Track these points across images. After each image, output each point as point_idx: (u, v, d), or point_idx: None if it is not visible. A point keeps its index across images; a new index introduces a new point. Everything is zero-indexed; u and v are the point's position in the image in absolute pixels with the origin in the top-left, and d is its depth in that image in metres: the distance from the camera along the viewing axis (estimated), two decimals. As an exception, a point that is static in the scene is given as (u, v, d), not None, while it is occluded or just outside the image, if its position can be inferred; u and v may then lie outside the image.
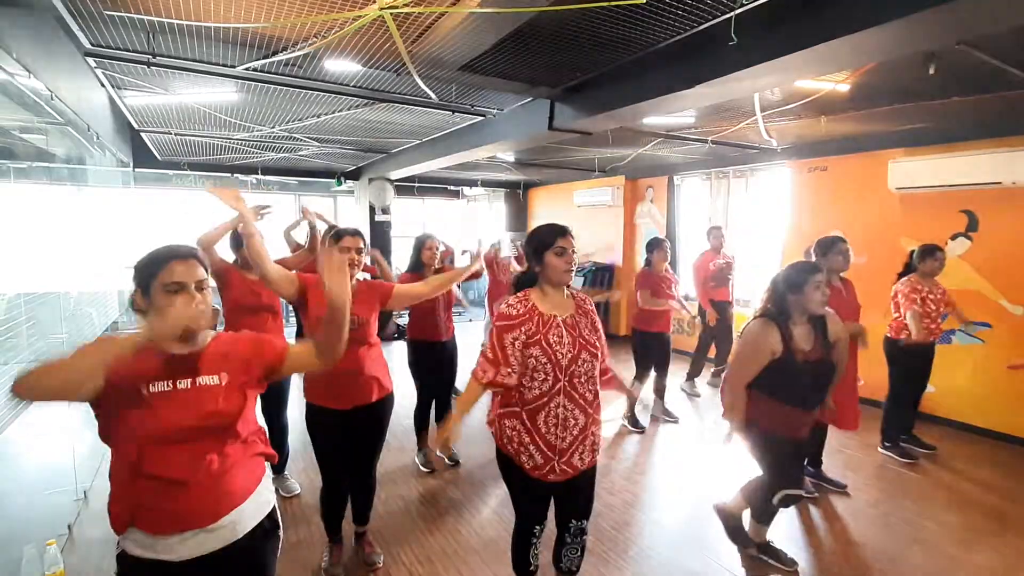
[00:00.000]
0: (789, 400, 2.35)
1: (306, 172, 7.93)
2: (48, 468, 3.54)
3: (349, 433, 2.41)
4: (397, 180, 7.70)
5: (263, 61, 2.83)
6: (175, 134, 5.08)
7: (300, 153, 6.23)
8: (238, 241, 4.14)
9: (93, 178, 4.41)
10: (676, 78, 2.76)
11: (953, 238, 4.44)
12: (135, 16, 2.30)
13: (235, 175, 7.54)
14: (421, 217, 10.22)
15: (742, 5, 2.06)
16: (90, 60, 2.91)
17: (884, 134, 4.72)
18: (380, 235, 8.03)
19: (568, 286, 1.94)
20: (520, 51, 2.69)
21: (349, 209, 9.10)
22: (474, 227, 10.29)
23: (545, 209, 9.58)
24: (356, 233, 2.40)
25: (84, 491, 3.20)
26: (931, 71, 2.63)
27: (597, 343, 1.90)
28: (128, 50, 2.76)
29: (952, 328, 4.36)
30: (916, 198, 4.63)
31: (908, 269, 3.75)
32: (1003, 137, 4.09)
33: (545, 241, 1.87)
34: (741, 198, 6.38)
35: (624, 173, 7.44)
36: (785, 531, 2.90)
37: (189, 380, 1.32)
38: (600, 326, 1.98)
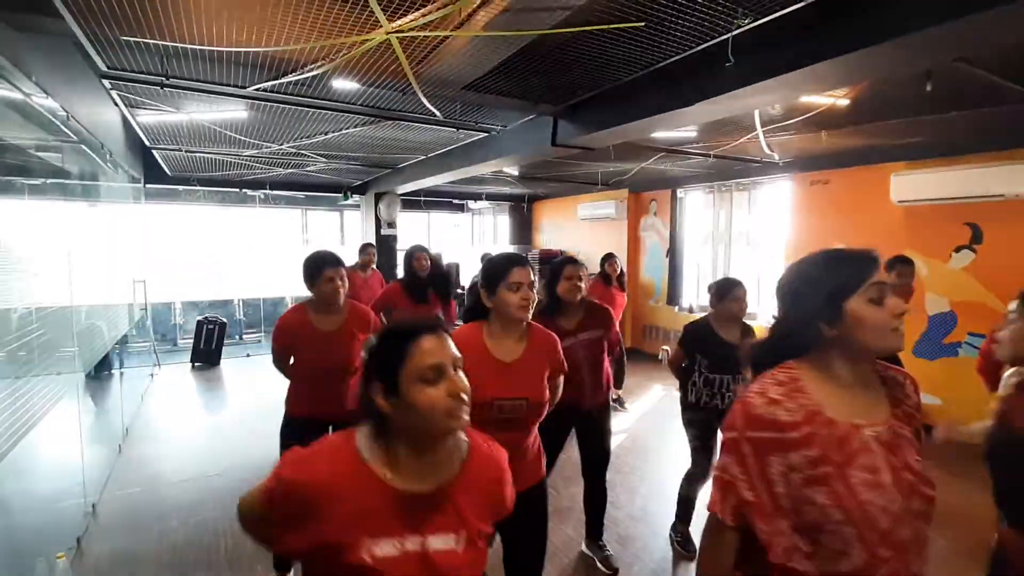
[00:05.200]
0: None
1: (313, 187, 8.04)
2: (57, 479, 3.56)
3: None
4: (403, 194, 7.79)
5: (273, 82, 2.91)
6: (186, 151, 5.18)
7: (308, 169, 6.33)
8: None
9: (105, 194, 4.50)
10: (675, 96, 2.81)
11: (957, 250, 4.45)
12: (150, 41, 2.37)
13: (243, 190, 7.66)
14: (426, 230, 10.31)
15: (739, 27, 2.11)
16: (105, 82, 3.00)
17: (886, 147, 4.74)
18: (386, 249, 8.11)
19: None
20: (523, 71, 2.75)
21: (355, 223, 9.20)
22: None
23: (550, 222, 9.65)
24: (524, 262, 1.73)
25: (93, 504, 3.23)
26: (928, 88, 2.67)
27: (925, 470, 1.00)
28: (143, 72, 2.84)
29: (958, 340, 4.36)
30: (919, 211, 4.65)
31: None
32: (1005, 150, 4.12)
33: (859, 272, 0.98)
34: (744, 211, 6.41)
35: (628, 186, 7.48)
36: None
37: (419, 540, 0.90)
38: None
